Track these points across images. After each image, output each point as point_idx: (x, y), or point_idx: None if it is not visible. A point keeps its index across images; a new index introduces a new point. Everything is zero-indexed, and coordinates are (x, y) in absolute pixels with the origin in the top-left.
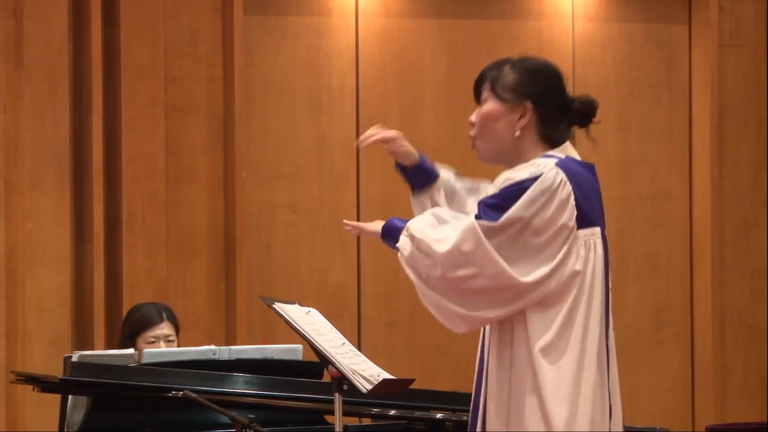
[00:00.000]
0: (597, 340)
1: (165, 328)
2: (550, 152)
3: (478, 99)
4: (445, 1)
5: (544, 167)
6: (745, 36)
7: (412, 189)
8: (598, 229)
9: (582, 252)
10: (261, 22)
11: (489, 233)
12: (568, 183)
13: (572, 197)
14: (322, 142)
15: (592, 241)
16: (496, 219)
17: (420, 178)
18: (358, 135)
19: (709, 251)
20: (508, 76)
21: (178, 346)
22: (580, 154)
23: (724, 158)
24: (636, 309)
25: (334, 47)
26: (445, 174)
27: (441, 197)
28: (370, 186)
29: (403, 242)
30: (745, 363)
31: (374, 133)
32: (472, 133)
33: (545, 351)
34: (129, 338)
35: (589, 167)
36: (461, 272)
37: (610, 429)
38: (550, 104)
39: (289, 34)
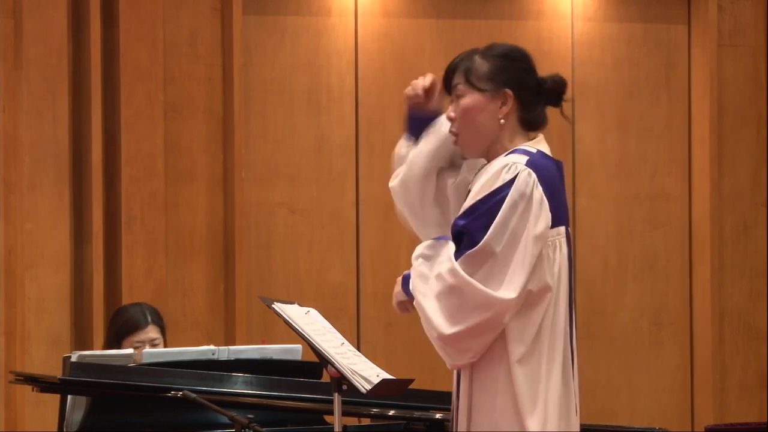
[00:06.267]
0: (562, 341)
1: (150, 332)
2: (524, 145)
3: (450, 91)
4: (444, 2)
5: (517, 169)
6: (744, 36)
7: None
8: (563, 228)
9: (550, 254)
10: (260, 22)
11: (472, 264)
12: (539, 185)
13: (545, 199)
14: (321, 142)
15: (558, 242)
16: (476, 242)
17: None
18: (357, 135)
19: (709, 251)
20: (482, 66)
21: (167, 345)
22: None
23: (723, 158)
24: (635, 309)
25: (333, 47)
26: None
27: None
28: (369, 186)
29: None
30: (744, 363)
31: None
32: (453, 129)
33: (522, 361)
34: (114, 341)
35: (557, 164)
36: (461, 326)
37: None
38: (527, 87)
39: (288, 34)
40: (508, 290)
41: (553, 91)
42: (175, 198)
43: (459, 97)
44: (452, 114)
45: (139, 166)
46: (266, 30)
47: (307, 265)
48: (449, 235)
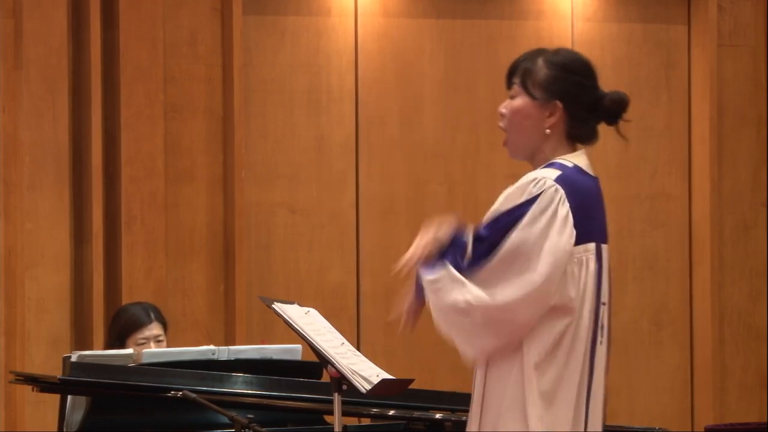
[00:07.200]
0: (582, 357)
1: (154, 329)
2: (562, 158)
3: (509, 86)
4: (444, 1)
5: (544, 185)
6: (744, 36)
7: None
8: (592, 245)
9: (575, 270)
10: (260, 22)
11: (489, 277)
12: (566, 201)
13: (570, 216)
14: (321, 142)
15: (585, 258)
16: (495, 255)
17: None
18: (356, 135)
19: (708, 251)
20: (541, 71)
21: (168, 344)
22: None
23: (723, 158)
24: (635, 309)
25: (333, 47)
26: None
27: None
28: (369, 186)
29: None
30: (744, 363)
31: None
32: (502, 124)
33: (537, 367)
34: (118, 340)
35: (594, 179)
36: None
37: None
38: (580, 103)
39: (288, 34)
40: (502, 291)
41: (610, 110)
42: (175, 198)
43: (513, 96)
44: (503, 110)
45: (139, 166)
46: (266, 30)
47: (307, 265)
48: (443, 259)
